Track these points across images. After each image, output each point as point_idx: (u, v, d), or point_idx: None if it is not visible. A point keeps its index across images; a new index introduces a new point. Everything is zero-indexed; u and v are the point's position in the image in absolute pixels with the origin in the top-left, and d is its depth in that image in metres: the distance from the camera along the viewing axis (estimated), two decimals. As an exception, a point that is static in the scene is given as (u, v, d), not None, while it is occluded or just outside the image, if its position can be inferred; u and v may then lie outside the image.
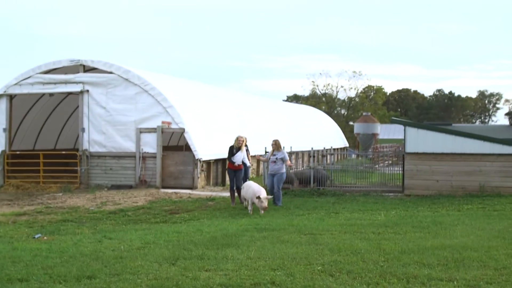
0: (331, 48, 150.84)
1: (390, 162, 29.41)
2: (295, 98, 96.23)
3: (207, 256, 8.97)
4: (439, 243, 9.88)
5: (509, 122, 40.43)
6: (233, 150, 17.15)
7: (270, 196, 15.97)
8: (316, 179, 21.51)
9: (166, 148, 25.41)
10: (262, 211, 15.15)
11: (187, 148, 23.50)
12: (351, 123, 63.12)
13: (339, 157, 42.64)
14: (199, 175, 23.07)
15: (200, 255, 9.01)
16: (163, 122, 22.94)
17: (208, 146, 23.81)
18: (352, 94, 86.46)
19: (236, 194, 17.42)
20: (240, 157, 17.09)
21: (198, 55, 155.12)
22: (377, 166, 30.99)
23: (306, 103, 71.66)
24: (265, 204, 15.12)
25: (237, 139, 17.18)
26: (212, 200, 18.84)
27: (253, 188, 15.50)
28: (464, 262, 8.38)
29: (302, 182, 21.84)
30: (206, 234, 11.33)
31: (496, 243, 9.93)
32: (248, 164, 17.67)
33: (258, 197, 15.03)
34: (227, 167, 17.63)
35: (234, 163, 17.12)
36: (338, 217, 14.18)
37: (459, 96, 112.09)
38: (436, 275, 7.59)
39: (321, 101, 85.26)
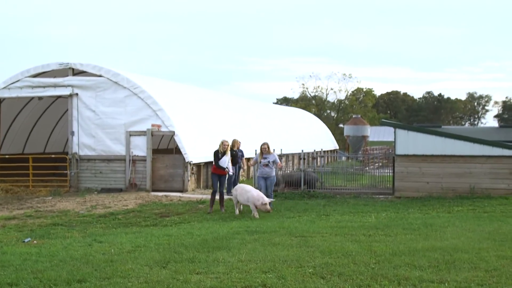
0: (321, 50, 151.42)
1: (380, 164, 29.41)
2: (285, 101, 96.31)
3: (198, 259, 8.94)
4: (429, 245, 9.91)
5: (499, 124, 40.66)
6: (218, 155, 17.02)
7: (273, 199, 16.05)
8: (306, 181, 21.53)
9: (156, 151, 25.31)
10: (257, 215, 15.09)
11: (177, 151, 23.43)
12: (341, 125, 63.20)
13: (329, 159, 42.67)
14: (189, 178, 23.01)
15: (190, 258, 8.98)
16: (152, 125, 22.88)
17: (198, 149, 23.75)
18: (342, 96, 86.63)
19: (218, 198, 17.16)
20: (225, 162, 16.98)
21: (189, 58, 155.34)
22: (367, 168, 31.00)
23: (296, 106, 71.69)
24: (269, 207, 15.18)
25: (222, 144, 17.06)
26: (203, 203, 18.78)
27: (253, 194, 15.36)
28: (455, 264, 8.40)
29: (292, 185, 21.85)
30: (196, 237, 11.29)
31: (487, 245, 9.96)
32: (231, 172, 17.48)
33: (265, 204, 15.02)
34: (211, 171, 17.44)
35: (221, 167, 16.97)
36: (329, 219, 14.19)
37: (448, 98, 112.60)
38: (427, 277, 7.60)
39: (311, 103, 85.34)
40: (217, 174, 17.15)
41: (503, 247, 9.66)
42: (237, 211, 15.89)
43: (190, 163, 22.88)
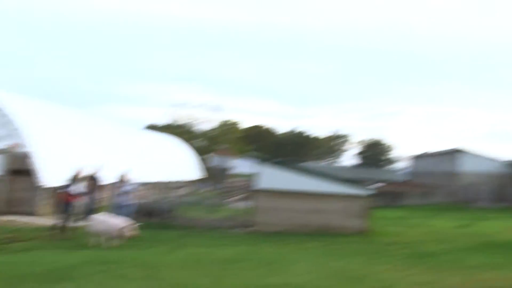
0: (194, 79, 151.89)
1: (241, 196, 29.87)
2: (155, 127, 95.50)
3: (42, 290, 8.66)
4: (280, 281, 10.13)
5: (356, 163, 42.56)
6: (72, 180, 16.61)
7: (134, 224, 15.54)
8: (163, 211, 21.36)
9: (14, 172, 24.22)
10: (114, 243, 14.76)
11: (29, 173, 22.46)
12: (210, 155, 63.59)
13: (191, 189, 42.69)
14: (45, 202, 22.16)
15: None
16: (9, 145, 21.94)
17: (57, 172, 23.00)
18: (211, 126, 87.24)
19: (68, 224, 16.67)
20: (79, 188, 16.59)
21: (57, 75, 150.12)
22: (228, 200, 31.36)
23: (167, 133, 71.30)
24: (129, 232, 14.83)
25: (77, 170, 16.68)
26: (56, 228, 18.16)
27: (109, 222, 15.02)
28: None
29: (148, 215, 21.58)
30: (44, 266, 10.87)
31: (331, 282, 10.34)
32: (84, 200, 17.10)
33: (123, 228, 14.67)
34: (64, 197, 16.88)
35: (73, 194, 16.53)
36: (183, 252, 14.15)
37: (311, 135, 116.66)
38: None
39: (180, 131, 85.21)
40: (70, 201, 16.70)
41: (344, 285, 10.07)
42: (92, 241, 15.39)
43: (45, 186, 22.04)
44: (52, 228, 18.03)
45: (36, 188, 22.11)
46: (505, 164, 48.79)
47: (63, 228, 16.58)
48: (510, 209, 38.26)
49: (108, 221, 15.12)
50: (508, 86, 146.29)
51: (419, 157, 65.58)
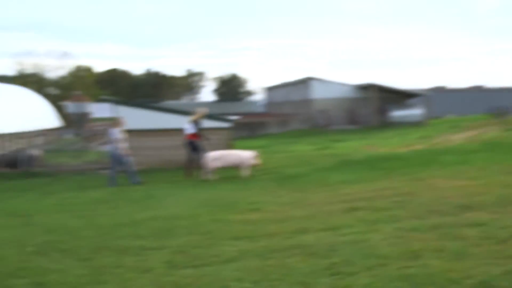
0: (36, 26, 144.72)
1: (104, 140, 29.41)
2: (2, 79, 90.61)
3: None
4: (151, 215, 10.32)
5: (216, 99, 42.94)
6: None
7: None
8: (25, 161, 20.77)
9: None
10: None
11: None
12: (64, 103, 61.43)
13: (53, 137, 41.42)
14: None
15: None
16: None
17: None
18: (63, 73, 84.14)
19: None
20: None
21: None
22: (91, 144, 30.79)
23: (14, 83, 67.93)
24: None
25: None
26: None
27: None
28: (174, 230, 8.85)
29: (10, 165, 20.90)
30: None
31: (202, 211, 10.65)
32: None
33: None
34: None
35: None
36: (53, 197, 13.97)
37: (167, 75, 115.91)
38: (148, 244, 7.91)
39: (29, 81, 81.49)
40: None
41: (217, 212, 10.41)
42: None
43: None
44: None
45: None
46: (354, 88, 51.21)
47: None
48: (361, 131, 40.50)
49: None
50: (349, 15, 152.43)
51: (273, 88, 67.24)
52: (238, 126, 35.89)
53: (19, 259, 7.45)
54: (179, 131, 19.98)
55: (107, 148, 16.71)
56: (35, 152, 21.65)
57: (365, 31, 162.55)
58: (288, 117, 51.60)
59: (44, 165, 21.25)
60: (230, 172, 16.76)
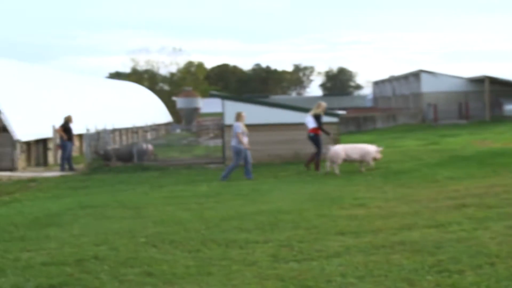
0: (150, 24, 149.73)
1: (212, 135, 30.11)
2: (117, 75, 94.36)
3: (29, 237, 8.84)
4: (256, 209, 10.46)
5: (323, 93, 42.94)
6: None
7: None
8: (138, 154, 21.52)
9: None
10: None
11: (4, 129, 22.46)
12: (174, 98, 63.16)
13: (163, 132, 42.83)
14: (19, 156, 22.26)
15: (21, 237, 8.86)
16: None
17: (28, 127, 23.01)
18: (174, 70, 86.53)
19: None
20: None
21: (11, 31, 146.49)
22: (200, 139, 31.57)
23: (129, 80, 70.65)
24: None
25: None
26: (34, 181, 18.31)
27: None
28: (279, 224, 8.97)
29: (123, 159, 21.66)
30: (27, 216, 11.03)
31: (308, 205, 10.71)
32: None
33: None
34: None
35: None
36: (162, 191, 14.38)
37: (275, 70, 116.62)
38: (253, 238, 8.08)
39: (143, 77, 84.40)
40: None
41: (322, 207, 10.44)
42: None
43: (19, 141, 22.13)
44: (32, 180, 18.09)
45: (8, 144, 22.12)
46: (466, 81, 49.51)
47: None
48: (473, 125, 39.17)
49: None
50: (460, 5, 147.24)
51: (380, 82, 66.18)
52: (345, 120, 35.71)
53: (131, 249, 7.78)
54: (286, 126, 20.11)
55: (231, 142, 16.86)
56: (147, 146, 22.40)
57: (478, 21, 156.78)
58: (396, 112, 50.66)
59: (155, 159, 21.96)
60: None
